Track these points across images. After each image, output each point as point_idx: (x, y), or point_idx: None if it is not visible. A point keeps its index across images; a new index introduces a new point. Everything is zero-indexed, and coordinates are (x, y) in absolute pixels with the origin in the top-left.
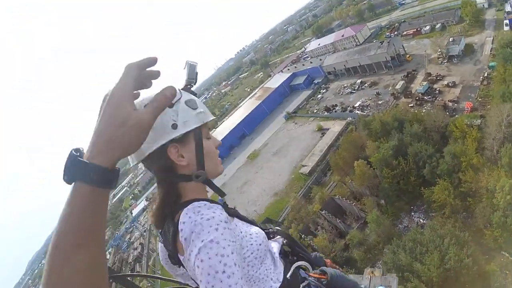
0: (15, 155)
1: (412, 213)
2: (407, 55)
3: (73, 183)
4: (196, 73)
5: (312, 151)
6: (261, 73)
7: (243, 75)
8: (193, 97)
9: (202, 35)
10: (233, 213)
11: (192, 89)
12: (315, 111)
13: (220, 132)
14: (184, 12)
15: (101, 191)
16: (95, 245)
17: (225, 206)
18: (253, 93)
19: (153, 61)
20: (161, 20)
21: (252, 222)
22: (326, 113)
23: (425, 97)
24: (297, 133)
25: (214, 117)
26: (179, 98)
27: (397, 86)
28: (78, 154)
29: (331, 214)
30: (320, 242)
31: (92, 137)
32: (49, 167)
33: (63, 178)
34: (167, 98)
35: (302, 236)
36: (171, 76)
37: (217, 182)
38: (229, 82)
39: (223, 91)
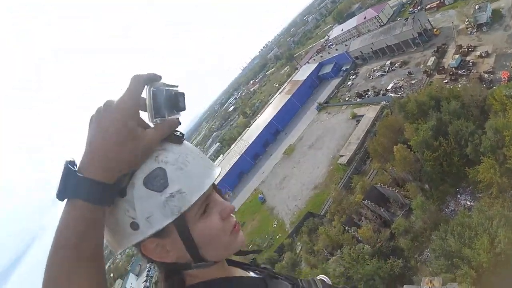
0: (15, 156)
1: (458, 196)
2: (434, 29)
3: (68, 199)
4: (181, 104)
5: (349, 140)
6: (287, 67)
7: (269, 71)
8: (164, 162)
9: (202, 35)
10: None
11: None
12: (347, 98)
13: (254, 130)
14: (184, 12)
15: (98, 207)
16: (92, 263)
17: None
18: (282, 88)
19: (159, 77)
20: (161, 20)
21: (288, 279)
22: (358, 99)
23: (459, 71)
24: (331, 123)
25: (205, 191)
26: (133, 172)
27: (429, 63)
28: (74, 167)
29: (374, 203)
30: (365, 233)
31: (87, 149)
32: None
33: (57, 195)
34: (175, 122)
35: (346, 228)
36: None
37: (256, 181)
38: (256, 80)
39: (251, 89)
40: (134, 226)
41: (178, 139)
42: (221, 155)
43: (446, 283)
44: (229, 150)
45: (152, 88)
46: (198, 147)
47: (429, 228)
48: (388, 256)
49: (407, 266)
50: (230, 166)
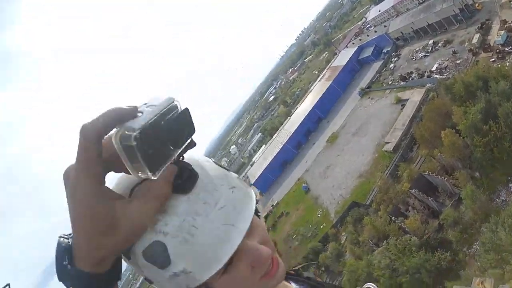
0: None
1: (510, 185)
2: (476, 4)
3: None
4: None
5: (394, 125)
6: (326, 52)
7: (307, 58)
8: (163, 233)
9: (202, 35)
10: None
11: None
12: (390, 82)
13: (295, 119)
14: (184, 12)
15: None
16: None
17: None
18: (321, 75)
19: (131, 112)
20: (161, 20)
21: None
22: (402, 82)
23: (505, 48)
24: (374, 109)
25: (221, 267)
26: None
27: (473, 41)
28: (65, 245)
29: (422, 192)
30: (412, 223)
31: (72, 230)
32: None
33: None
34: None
35: (392, 218)
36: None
37: (300, 170)
38: (295, 68)
39: (291, 78)
40: (149, 281)
41: (184, 186)
42: (264, 146)
43: (495, 281)
44: (271, 140)
45: (120, 134)
46: (240, 139)
47: (479, 219)
48: (435, 248)
49: (455, 259)
50: (273, 156)
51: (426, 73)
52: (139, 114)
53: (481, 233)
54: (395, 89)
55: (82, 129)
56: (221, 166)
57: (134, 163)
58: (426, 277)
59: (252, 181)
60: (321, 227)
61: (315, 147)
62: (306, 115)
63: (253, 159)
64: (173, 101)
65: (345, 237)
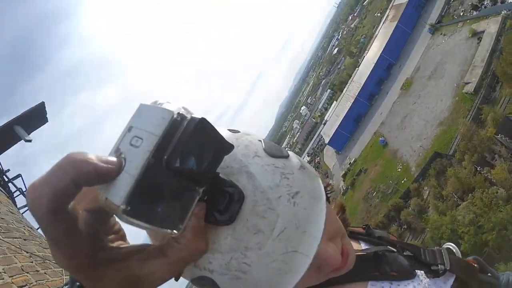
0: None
1: None
2: None
3: None
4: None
5: (472, 63)
6: None
7: (366, 0)
8: (209, 271)
9: (211, 34)
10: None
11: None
12: (461, 13)
13: (364, 69)
14: (193, 11)
15: None
16: None
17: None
18: (385, 16)
19: (106, 173)
20: (170, 19)
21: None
22: (474, 12)
23: None
24: (449, 46)
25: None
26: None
27: None
28: None
29: (509, 137)
30: (499, 173)
31: None
32: None
33: None
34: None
35: (478, 168)
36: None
37: (375, 123)
38: (355, 14)
39: (352, 25)
40: None
41: (224, 218)
42: (334, 102)
43: None
44: (341, 96)
45: (107, 205)
46: (309, 98)
47: None
48: None
49: None
50: (345, 112)
51: None
52: (121, 156)
53: None
54: (468, 21)
55: (29, 198)
56: (276, 155)
57: (146, 230)
58: None
59: (327, 141)
60: (402, 182)
61: (389, 96)
62: (375, 63)
63: (325, 118)
64: (172, 116)
65: (427, 192)
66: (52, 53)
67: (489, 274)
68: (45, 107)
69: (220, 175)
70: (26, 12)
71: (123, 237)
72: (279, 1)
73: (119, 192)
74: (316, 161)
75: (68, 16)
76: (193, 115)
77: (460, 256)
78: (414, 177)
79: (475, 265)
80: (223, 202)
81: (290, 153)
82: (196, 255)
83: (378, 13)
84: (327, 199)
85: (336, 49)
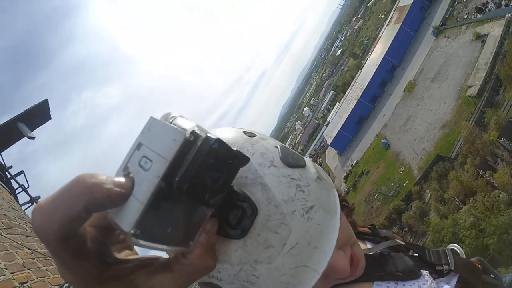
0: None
1: None
2: None
3: None
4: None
5: (476, 66)
6: None
7: (371, 2)
8: (218, 279)
9: (212, 33)
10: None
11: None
12: (465, 16)
13: (367, 70)
14: (197, 9)
15: None
16: None
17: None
18: (388, 18)
19: (115, 197)
20: (175, 17)
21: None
22: (478, 15)
23: None
24: (452, 49)
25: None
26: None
27: None
28: None
29: None
30: (501, 177)
31: None
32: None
33: None
34: (208, 266)
35: (480, 172)
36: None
37: (378, 125)
38: (359, 16)
39: (356, 27)
40: None
41: (236, 233)
42: (337, 103)
43: None
44: (344, 97)
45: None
46: (312, 99)
47: None
48: None
49: None
50: (348, 114)
51: (503, 1)
52: (130, 175)
53: None
54: (472, 24)
55: (37, 223)
56: (292, 164)
57: (158, 248)
58: None
59: (329, 142)
60: (404, 184)
61: (392, 98)
62: (378, 64)
63: (328, 119)
64: (184, 138)
65: (429, 195)
66: (57, 50)
67: (491, 276)
68: (48, 105)
69: (233, 187)
70: (31, 8)
71: (129, 246)
72: (279, 1)
73: (128, 218)
74: (318, 162)
75: (73, 13)
76: (208, 135)
77: (464, 257)
78: (416, 180)
79: (479, 266)
80: (236, 216)
81: (308, 161)
82: (203, 272)
83: (382, 15)
84: (341, 208)
85: (340, 51)
